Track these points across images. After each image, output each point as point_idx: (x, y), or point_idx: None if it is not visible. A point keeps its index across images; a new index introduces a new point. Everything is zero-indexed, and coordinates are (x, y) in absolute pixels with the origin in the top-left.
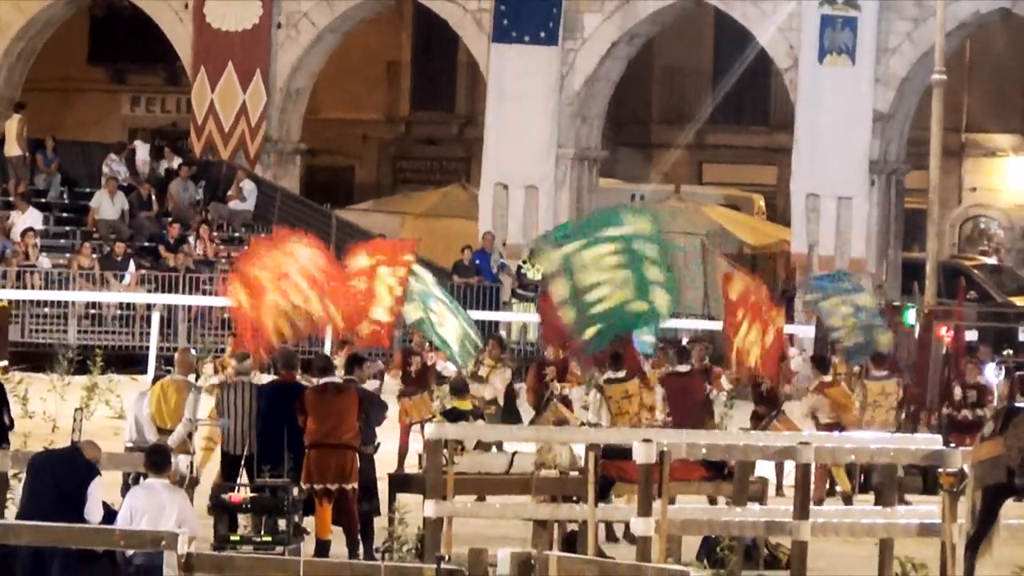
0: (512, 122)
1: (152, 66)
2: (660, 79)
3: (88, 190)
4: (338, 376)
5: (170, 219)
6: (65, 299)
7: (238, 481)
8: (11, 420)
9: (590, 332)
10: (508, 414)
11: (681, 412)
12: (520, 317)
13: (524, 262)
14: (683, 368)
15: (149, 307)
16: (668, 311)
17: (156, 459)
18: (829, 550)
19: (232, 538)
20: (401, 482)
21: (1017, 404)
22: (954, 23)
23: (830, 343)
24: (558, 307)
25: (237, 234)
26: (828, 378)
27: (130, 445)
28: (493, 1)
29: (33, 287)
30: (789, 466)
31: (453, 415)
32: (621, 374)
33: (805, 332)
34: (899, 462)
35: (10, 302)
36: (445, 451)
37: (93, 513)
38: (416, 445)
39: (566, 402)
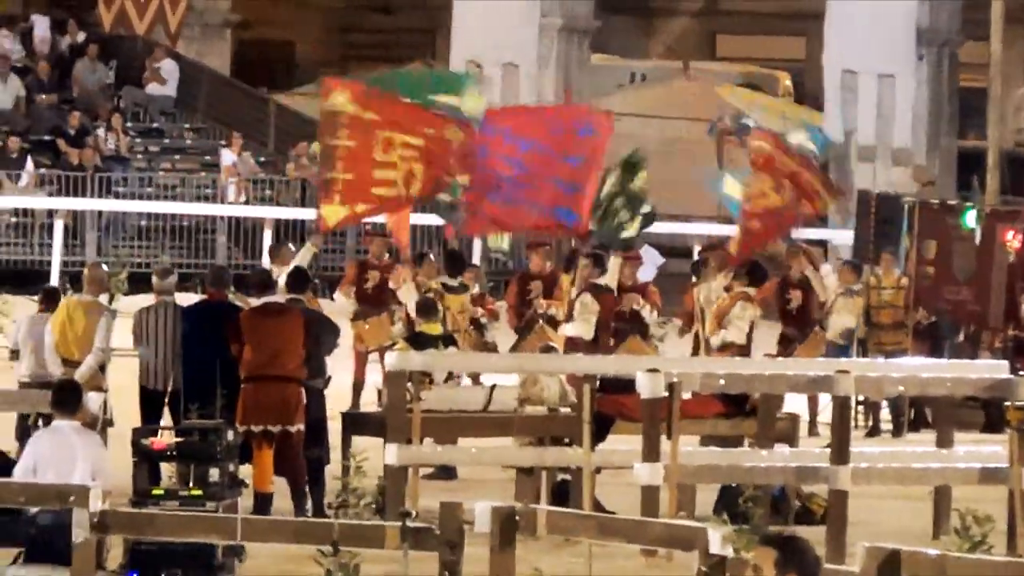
0: None
1: None
2: None
3: None
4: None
5: (73, 107)
6: None
7: (160, 423)
8: None
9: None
10: None
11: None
12: None
13: None
14: (600, 281)
15: (50, 213)
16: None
17: (64, 397)
18: (874, 500)
19: (154, 492)
20: (357, 422)
21: None
22: None
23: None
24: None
25: (155, 124)
26: (753, 292)
27: (25, 379)
28: None
29: None
30: (824, 399)
31: (419, 341)
32: (456, 282)
33: (841, 238)
34: (957, 393)
35: None
36: (410, 384)
37: None
38: (375, 377)
39: (554, 323)
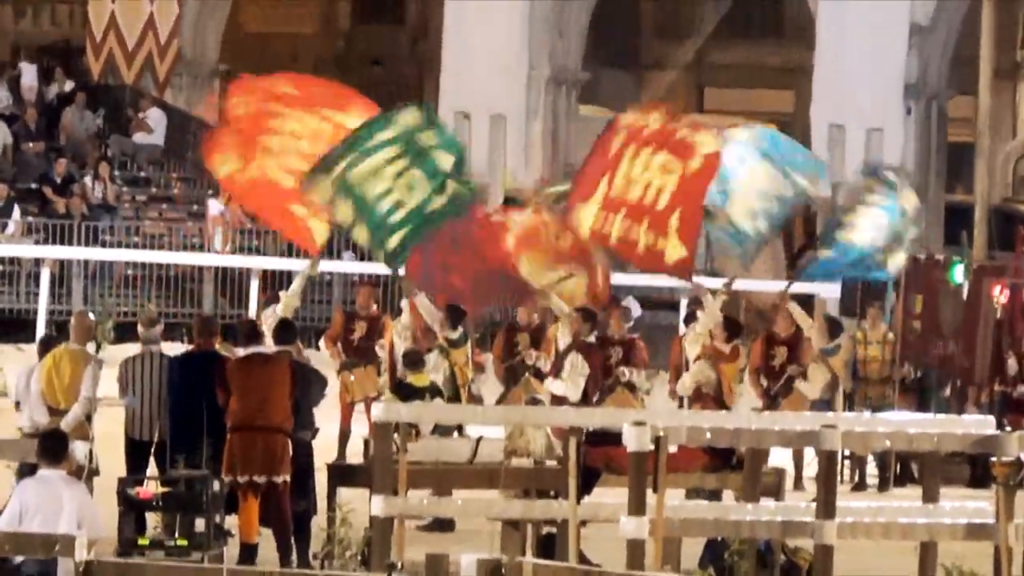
0: (475, 37)
1: None
2: None
3: None
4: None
5: (60, 154)
6: None
7: (146, 473)
8: None
9: (393, 241)
10: None
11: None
12: None
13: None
14: (590, 338)
15: (37, 262)
16: (470, 196)
17: (50, 446)
18: (859, 555)
19: (140, 541)
20: (343, 473)
21: None
22: None
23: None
24: (347, 230)
25: (143, 173)
26: (727, 348)
27: (27, 430)
28: None
29: None
30: (809, 454)
31: (406, 392)
32: (457, 334)
33: (828, 292)
34: (944, 449)
35: None
36: (396, 436)
37: None
38: (361, 428)
39: (540, 375)
